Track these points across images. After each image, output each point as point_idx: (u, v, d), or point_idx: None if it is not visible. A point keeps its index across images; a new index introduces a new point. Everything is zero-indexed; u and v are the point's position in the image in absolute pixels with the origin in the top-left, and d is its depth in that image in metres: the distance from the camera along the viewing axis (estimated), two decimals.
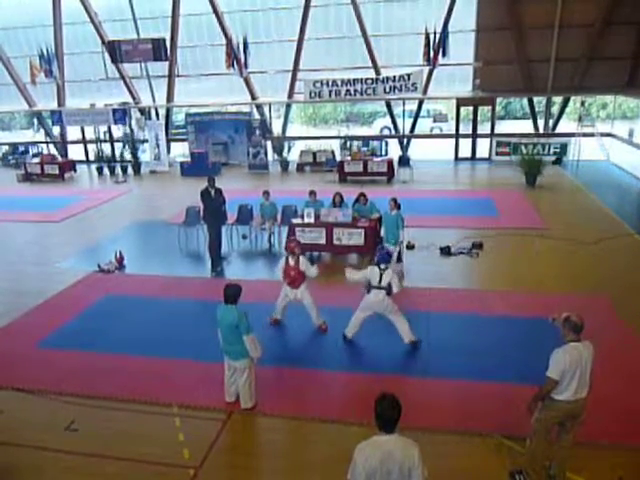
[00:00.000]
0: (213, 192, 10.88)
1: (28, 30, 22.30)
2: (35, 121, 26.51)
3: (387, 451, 3.47)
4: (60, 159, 21.78)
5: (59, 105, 22.96)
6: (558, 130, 20.00)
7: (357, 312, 7.42)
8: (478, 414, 5.87)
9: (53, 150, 23.60)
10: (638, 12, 17.24)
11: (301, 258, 7.77)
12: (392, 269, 7.29)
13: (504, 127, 23.97)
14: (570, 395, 4.53)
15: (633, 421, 5.67)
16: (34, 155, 22.28)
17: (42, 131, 24.94)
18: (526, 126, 21.21)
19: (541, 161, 16.30)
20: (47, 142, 24.29)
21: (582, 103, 19.37)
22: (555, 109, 20.22)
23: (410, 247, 11.11)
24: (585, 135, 18.27)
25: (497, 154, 19.65)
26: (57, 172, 20.17)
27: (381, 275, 7.09)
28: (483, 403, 6.05)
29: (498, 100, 21.40)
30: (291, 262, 7.69)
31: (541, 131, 19.95)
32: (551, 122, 20.08)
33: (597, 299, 8.45)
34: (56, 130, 23.74)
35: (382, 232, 10.20)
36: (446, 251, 10.88)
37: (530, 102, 20.31)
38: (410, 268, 10.12)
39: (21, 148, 23.60)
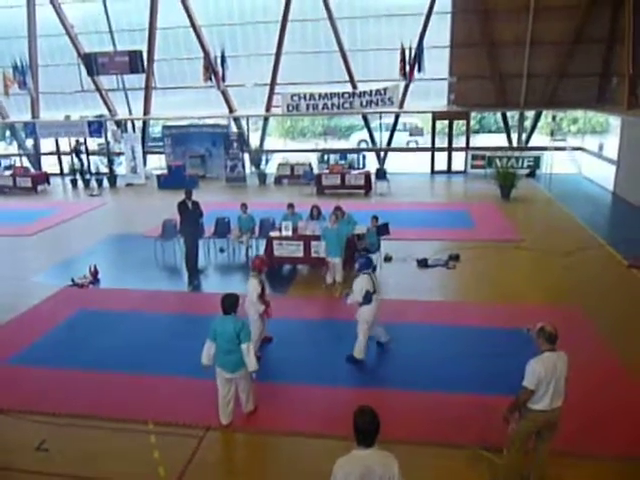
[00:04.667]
0: (190, 204, 10.81)
1: (1, 41, 21.93)
2: (7, 133, 26.05)
3: (367, 466, 3.45)
4: (33, 171, 21.42)
5: (33, 117, 22.60)
6: (531, 144, 20.44)
7: (363, 328, 7.08)
8: (455, 425, 5.88)
9: (26, 162, 23.18)
10: (605, 31, 17.84)
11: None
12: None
13: (479, 141, 24.41)
14: (546, 404, 4.58)
15: (604, 430, 5.75)
16: (6, 167, 21.82)
17: (15, 143, 24.49)
18: (500, 140, 21.65)
19: (515, 174, 16.62)
20: (20, 154, 23.84)
21: (553, 118, 19.84)
22: (528, 123, 20.68)
23: (387, 259, 11.17)
24: (557, 149, 18.72)
25: (472, 167, 20.00)
26: (30, 185, 19.82)
27: (373, 280, 7.09)
28: (460, 414, 6.07)
29: (473, 114, 21.81)
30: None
31: (515, 145, 20.38)
32: (524, 136, 20.52)
33: (570, 309, 8.60)
34: (29, 142, 23.34)
35: (322, 247, 10.13)
36: (423, 263, 10.97)
37: (504, 116, 20.75)
38: (387, 280, 10.16)
39: None
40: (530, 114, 20.51)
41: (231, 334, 5.75)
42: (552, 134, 18.76)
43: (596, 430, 5.73)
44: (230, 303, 5.89)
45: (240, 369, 5.87)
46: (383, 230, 10.70)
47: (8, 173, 20.53)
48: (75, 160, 21.17)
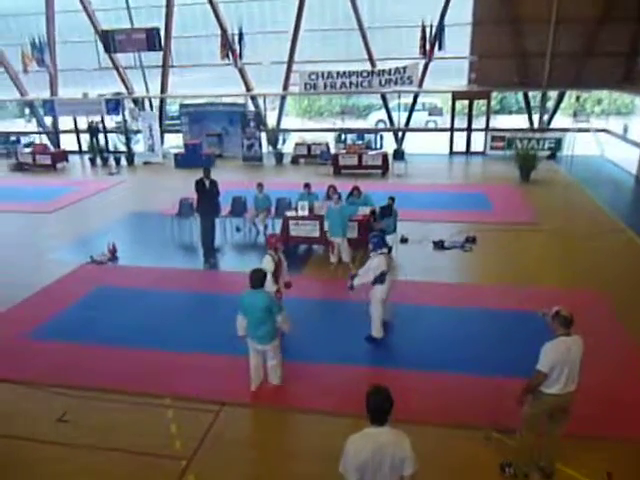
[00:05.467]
0: (208, 183, 10.82)
1: (20, 18, 22.03)
2: (27, 110, 26.26)
3: (379, 443, 3.48)
4: (52, 149, 21.61)
5: (52, 94, 22.75)
6: (553, 125, 20.01)
7: (377, 307, 7.11)
8: (468, 407, 5.91)
9: (45, 140, 23.39)
10: (634, 9, 17.26)
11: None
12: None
13: (499, 121, 23.98)
14: (559, 388, 4.57)
15: (621, 413, 5.73)
16: (26, 145, 22.06)
17: (34, 120, 24.71)
18: (521, 121, 21.23)
19: (535, 156, 16.33)
20: (39, 132, 24.07)
21: (577, 98, 19.40)
22: (550, 104, 20.22)
23: (404, 241, 11.13)
24: (580, 130, 18.30)
25: (492, 148, 19.67)
26: (49, 162, 20.03)
27: (388, 261, 7.08)
28: (473, 396, 6.09)
29: (493, 94, 21.38)
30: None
31: (536, 126, 19.97)
32: (546, 117, 20.09)
33: (588, 294, 8.51)
34: (48, 120, 23.54)
35: (326, 226, 10.13)
36: (439, 245, 10.90)
37: (525, 97, 20.32)
38: (403, 262, 10.13)
39: (13, 137, 23.36)
40: (553, 94, 20.04)
41: (260, 308, 5.93)
42: (575, 115, 18.33)
43: (613, 414, 5.71)
44: (258, 278, 6.06)
45: (269, 341, 6.11)
46: (386, 212, 10.56)
47: (28, 151, 20.75)
48: (93, 137, 21.30)
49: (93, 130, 21.41)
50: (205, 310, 8.51)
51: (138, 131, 21.45)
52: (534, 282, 9.11)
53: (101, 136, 21.56)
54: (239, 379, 6.54)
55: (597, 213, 12.79)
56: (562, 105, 20.53)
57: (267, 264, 7.03)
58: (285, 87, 20.89)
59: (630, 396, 6.00)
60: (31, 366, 7.03)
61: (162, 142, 21.75)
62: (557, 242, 10.97)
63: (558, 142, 18.90)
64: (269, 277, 7.03)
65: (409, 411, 5.58)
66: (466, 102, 20.34)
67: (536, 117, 20.10)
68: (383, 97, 21.12)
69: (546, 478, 4.96)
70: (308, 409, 6.05)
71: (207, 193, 10.81)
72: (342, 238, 9.91)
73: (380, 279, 7.01)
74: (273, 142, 20.54)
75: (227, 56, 19.72)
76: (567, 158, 17.89)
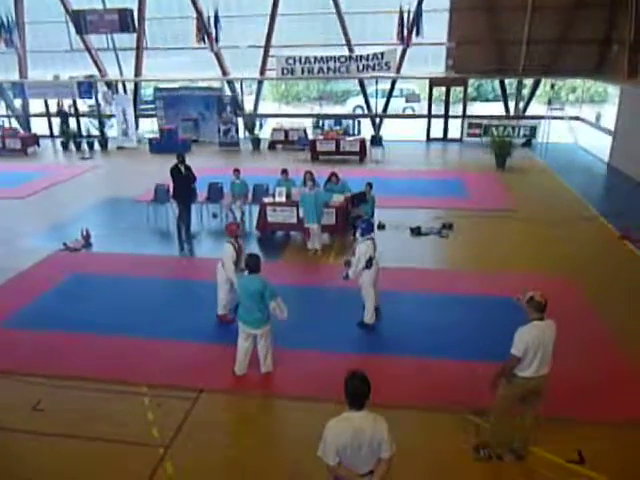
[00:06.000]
0: (183, 169, 10.69)
1: None
2: None
3: (358, 427, 3.53)
4: (22, 133, 21.01)
5: (21, 77, 22.06)
6: (528, 113, 20.25)
7: (369, 292, 7.14)
8: (444, 391, 6.01)
9: (15, 123, 22.73)
10: None
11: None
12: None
13: (476, 109, 24.15)
14: (532, 372, 4.67)
15: (590, 396, 5.89)
16: None
17: (2, 103, 23.96)
18: (497, 108, 21.41)
19: (511, 143, 16.52)
20: (8, 115, 23.35)
21: (552, 86, 19.61)
22: (526, 92, 20.42)
23: (381, 227, 11.17)
24: (554, 118, 18.55)
25: (468, 135, 19.84)
26: (19, 147, 19.50)
27: (375, 246, 7.12)
28: (449, 380, 6.19)
29: (470, 81, 21.49)
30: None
31: (512, 113, 20.17)
32: (521, 104, 20.31)
33: (561, 278, 8.69)
34: (18, 102, 22.85)
35: (301, 213, 10.13)
36: (416, 231, 10.98)
37: (502, 84, 20.48)
38: (380, 248, 10.16)
39: None
40: (528, 82, 20.24)
41: (255, 293, 5.93)
42: (550, 103, 18.56)
43: (584, 396, 5.87)
44: (254, 263, 6.04)
45: (261, 326, 6.12)
46: (362, 197, 10.59)
47: None
48: (63, 123, 20.76)
49: (63, 114, 20.87)
50: (181, 297, 8.43)
51: (112, 115, 20.99)
52: (509, 268, 9.26)
53: (73, 120, 21.03)
54: (217, 366, 6.53)
55: (571, 200, 13.03)
56: (537, 93, 20.76)
57: (228, 252, 7.08)
58: (262, 72, 20.65)
59: (599, 379, 6.16)
60: (5, 355, 6.90)
61: (137, 127, 21.33)
62: (532, 229, 11.15)
63: (533, 130, 19.16)
64: (231, 265, 6.98)
65: (386, 396, 5.64)
66: (443, 89, 20.40)
67: (512, 105, 20.31)
68: (361, 83, 21.05)
69: (519, 459, 5.09)
70: (287, 395, 6.07)
71: (183, 179, 10.68)
72: (317, 225, 9.89)
73: (368, 264, 7.06)
74: (250, 127, 20.33)
75: (203, 39, 19.37)
76: (542, 145, 18.14)
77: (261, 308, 6.03)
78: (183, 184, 10.71)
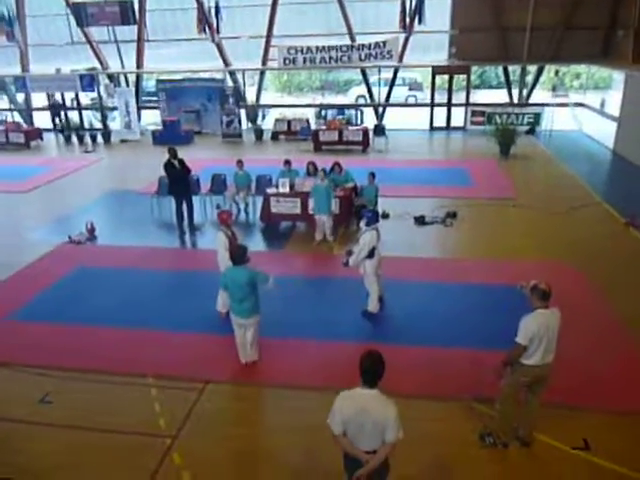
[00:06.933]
0: (177, 163, 10.74)
1: None
2: None
3: (361, 407, 3.60)
4: (25, 127, 21.03)
5: (23, 70, 22.02)
6: (532, 100, 20.09)
7: (372, 281, 7.16)
8: (450, 379, 6.02)
9: (18, 117, 22.74)
10: None
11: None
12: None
13: (479, 96, 23.97)
14: (538, 360, 4.67)
15: (596, 384, 5.89)
16: None
17: (5, 98, 23.96)
18: (501, 96, 21.25)
19: (515, 131, 16.41)
20: (11, 109, 23.36)
21: (556, 73, 19.44)
22: (530, 78, 20.25)
23: (385, 216, 11.14)
24: (558, 105, 18.41)
25: (472, 123, 19.70)
26: (22, 140, 19.51)
27: (379, 235, 7.11)
28: (455, 368, 6.20)
29: (473, 69, 21.33)
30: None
31: (515, 101, 20.02)
32: (525, 92, 20.14)
33: (566, 267, 8.66)
34: (20, 97, 22.84)
35: (311, 204, 10.08)
36: (420, 220, 10.96)
37: (505, 71, 20.30)
38: (384, 237, 10.14)
39: None
40: (532, 69, 20.06)
41: (242, 284, 5.94)
42: (554, 90, 18.41)
43: (591, 384, 5.87)
44: (239, 255, 6.06)
45: (252, 315, 6.16)
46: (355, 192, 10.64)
47: (0, 128, 20.17)
48: (56, 117, 20.76)
49: (56, 106, 20.84)
50: (186, 288, 8.46)
51: (114, 108, 20.95)
52: (513, 256, 9.24)
53: (71, 113, 20.98)
54: (224, 356, 6.56)
55: (575, 187, 12.95)
56: (541, 79, 20.58)
57: (220, 240, 7.13)
58: (264, 62, 20.55)
59: (605, 367, 6.15)
60: (14, 347, 6.95)
61: (139, 119, 21.30)
62: (536, 216, 11.11)
63: (537, 117, 19.01)
64: (225, 253, 6.99)
65: (391, 384, 5.64)
66: (446, 77, 20.25)
67: (515, 92, 20.14)
68: (363, 72, 20.93)
69: (524, 446, 5.11)
70: (293, 385, 6.09)
71: (177, 173, 10.74)
72: (328, 215, 9.86)
73: (369, 254, 7.06)
74: (252, 118, 20.27)
75: (204, 30, 19.27)
76: (546, 133, 18.02)
77: (251, 298, 6.05)
78: (178, 178, 10.75)
